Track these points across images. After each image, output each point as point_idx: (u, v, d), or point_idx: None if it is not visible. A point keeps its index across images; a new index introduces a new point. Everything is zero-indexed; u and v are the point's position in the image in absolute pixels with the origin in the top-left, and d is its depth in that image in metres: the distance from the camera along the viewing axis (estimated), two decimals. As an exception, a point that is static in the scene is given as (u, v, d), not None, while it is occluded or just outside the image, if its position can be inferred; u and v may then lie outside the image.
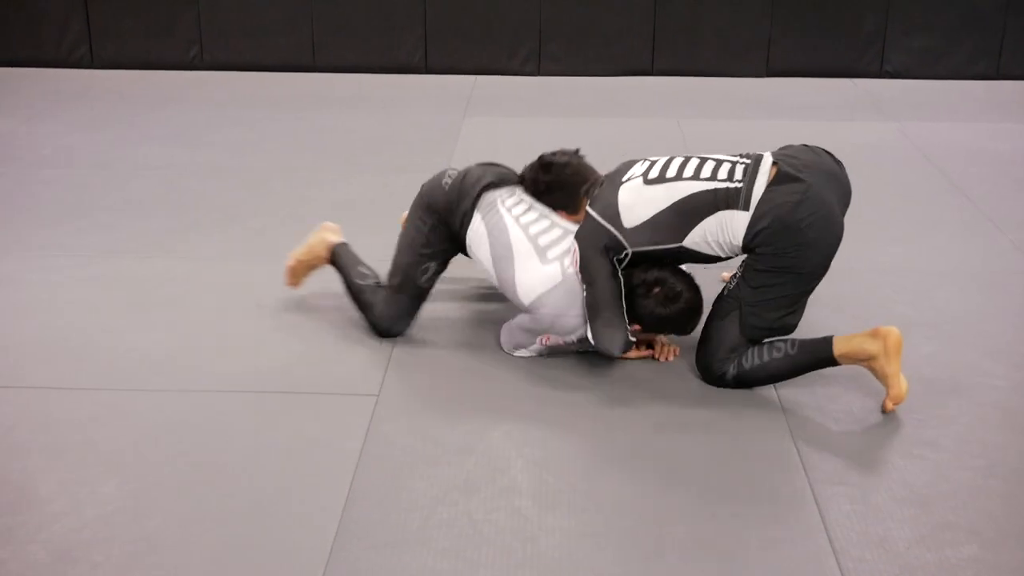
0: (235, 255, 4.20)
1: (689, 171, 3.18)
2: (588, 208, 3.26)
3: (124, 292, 3.87)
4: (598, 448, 2.95)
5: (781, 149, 3.30)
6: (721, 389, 3.23)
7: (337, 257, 3.65)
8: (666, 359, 3.42)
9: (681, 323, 3.26)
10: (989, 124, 6.11)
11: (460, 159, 5.01)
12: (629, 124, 6.04)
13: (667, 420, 3.08)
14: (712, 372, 3.24)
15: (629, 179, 3.25)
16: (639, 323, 3.24)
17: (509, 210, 3.41)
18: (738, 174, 3.14)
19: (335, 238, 3.69)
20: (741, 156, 3.24)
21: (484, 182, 3.45)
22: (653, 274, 3.21)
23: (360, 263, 3.61)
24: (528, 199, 3.46)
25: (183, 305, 3.76)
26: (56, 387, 3.23)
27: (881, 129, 5.98)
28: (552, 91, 6.75)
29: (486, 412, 3.11)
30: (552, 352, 3.39)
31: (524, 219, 3.39)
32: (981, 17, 6.96)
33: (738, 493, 2.75)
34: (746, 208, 3.07)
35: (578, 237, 3.25)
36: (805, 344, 3.17)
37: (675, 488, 2.77)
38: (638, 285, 3.21)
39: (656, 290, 3.19)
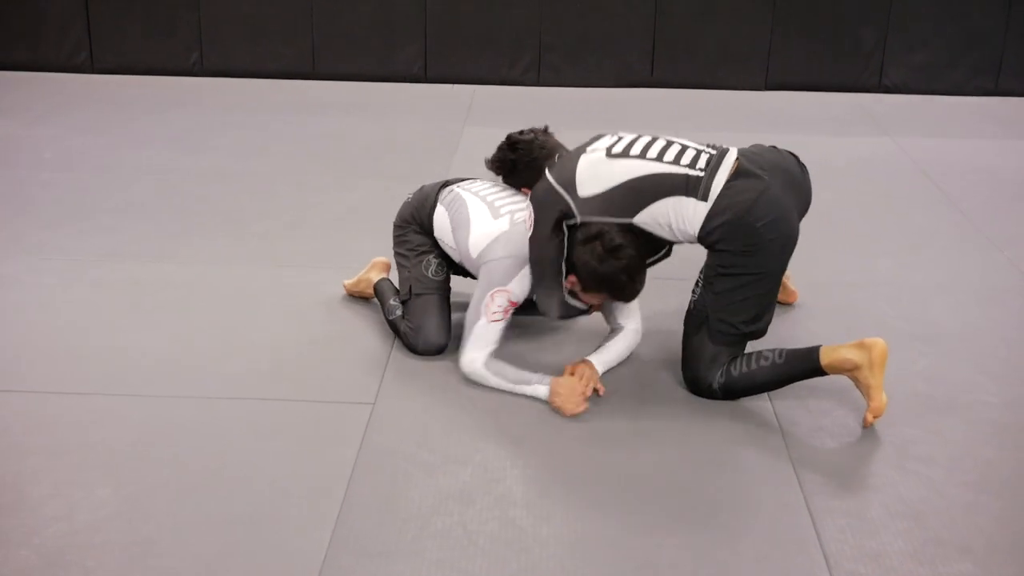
0: (235, 260, 4.20)
1: (653, 152, 3.19)
2: (546, 172, 3.26)
3: (123, 296, 3.87)
4: (592, 459, 2.95)
5: (749, 147, 3.31)
6: (712, 402, 3.23)
7: (377, 294, 3.72)
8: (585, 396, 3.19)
9: (617, 284, 3.14)
10: (986, 140, 6.13)
11: (459, 168, 5.02)
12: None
13: (660, 432, 3.08)
14: (699, 384, 3.24)
15: (593, 151, 3.26)
16: (576, 275, 3.18)
17: (466, 189, 3.55)
18: (701, 163, 3.15)
19: (379, 276, 3.77)
20: (707, 146, 3.26)
21: (443, 181, 3.61)
22: (597, 227, 3.12)
23: (393, 295, 3.65)
24: (494, 184, 3.57)
25: (182, 310, 3.77)
26: (53, 390, 3.23)
27: (879, 143, 6.00)
28: (551, 101, 6.76)
29: (481, 422, 3.12)
30: (497, 373, 3.26)
31: (481, 192, 3.51)
32: (980, 34, 6.99)
33: (732, 505, 2.76)
34: (705, 199, 3.08)
35: (532, 198, 3.27)
36: (792, 353, 3.17)
37: (669, 500, 2.77)
38: (580, 234, 3.14)
39: (595, 243, 3.09)
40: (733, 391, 3.21)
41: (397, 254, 3.64)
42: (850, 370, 3.08)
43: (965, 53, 7.02)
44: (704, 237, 3.10)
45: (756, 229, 3.05)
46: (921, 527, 2.68)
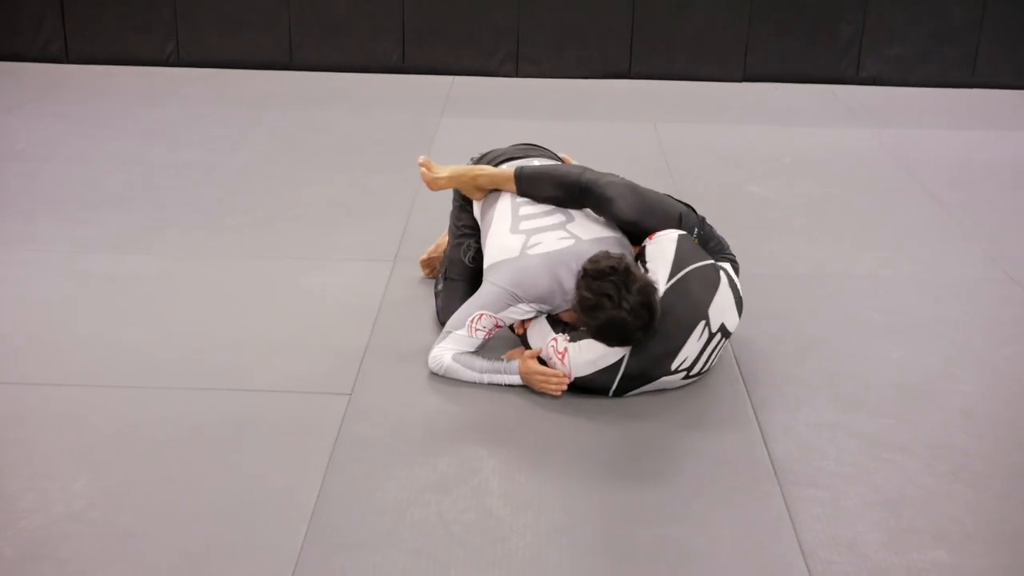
0: (212, 253, 4.18)
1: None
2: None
3: (99, 288, 3.85)
4: (569, 449, 2.96)
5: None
6: (688, 390, 3.24)
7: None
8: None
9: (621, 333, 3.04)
10: (964, 132, 6.16)
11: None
12: (606, 127, 6.05)
13: (637, 422, 3.09)
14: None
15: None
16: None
17: (512, 199, 3.46)
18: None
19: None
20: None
21: (503, 158, 3.54)
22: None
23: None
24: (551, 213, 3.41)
25: (158, 302, 3.75)
26: (27, 382, 3.21)
27: (856, 135, 6.02)
28: (530, 93, 6.76)
29: (459, 413, 3.11)
30: (465, 365, 3.24)
31: (520, 203, 3.42)
32: (956, 26, 7.02)
33: (708, 495, 2.77)
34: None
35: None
36: None
37: (645, 490, 2.78)
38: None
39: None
40: None
41: (451, 223, 3.67)
42: None
43: (941, 45, 7.06)
44: None
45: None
46: (896, 516, 2.69)
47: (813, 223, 4.65)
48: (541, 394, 3.19)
